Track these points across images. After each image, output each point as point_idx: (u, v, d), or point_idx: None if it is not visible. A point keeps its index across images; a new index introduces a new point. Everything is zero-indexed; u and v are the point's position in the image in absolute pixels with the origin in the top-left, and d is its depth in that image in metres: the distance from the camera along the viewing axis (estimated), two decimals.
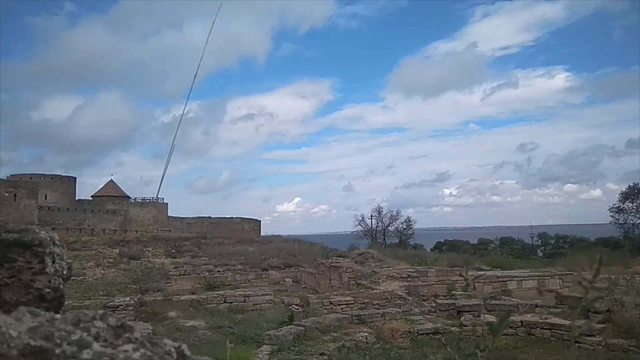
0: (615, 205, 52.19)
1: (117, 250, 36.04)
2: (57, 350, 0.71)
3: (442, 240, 67.09)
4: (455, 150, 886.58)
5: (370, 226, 59.33)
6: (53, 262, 1.14)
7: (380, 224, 59.30)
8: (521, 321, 11.75)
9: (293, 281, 28.70)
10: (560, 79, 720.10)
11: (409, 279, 19.94)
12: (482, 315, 12.43)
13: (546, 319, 11.62)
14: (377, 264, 25.28)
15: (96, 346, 0.74)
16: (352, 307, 14.90)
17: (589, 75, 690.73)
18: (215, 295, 18.27)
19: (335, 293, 17.58)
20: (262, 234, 62.35)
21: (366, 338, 11.41)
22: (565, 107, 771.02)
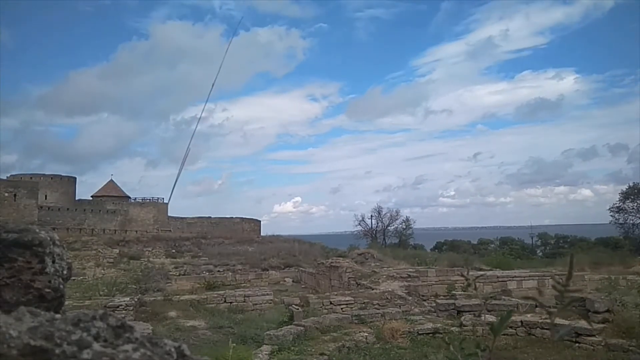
0: (615, 205, 52.11)
1: (117, 250, 36.04)
2: (57, 350, 0.71)
3: (442, 240, 67.09)
4: (460, 151, 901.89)
5: (370, 226, 59.35)
6: (53, 262, 1.14)
7: (380, 224, 59.31)
8: (521, 321, 11.75)
9: (293, 281, 28.69)
10: (569, 81, 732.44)
11: (409, 279, 19.94)
12: (482, 315, 12.42)
13: (546, 319, 11.62)
14: (377, 264, 25.28)
15: (96, 346, 0.74)
16: (352, 307, 14.89)
17: (598, 76, 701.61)
18: (215, 295, 18.26)
19: (335, 293, 17.57)
20: (262, 234, 62.35)
21: (366, 338, 11.41)
22: (572, 108, 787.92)
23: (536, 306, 12.81)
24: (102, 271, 28.87)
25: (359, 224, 59.88)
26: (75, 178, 64.18)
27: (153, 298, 17.48)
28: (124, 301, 15.33)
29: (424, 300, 16.91)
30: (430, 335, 11.78)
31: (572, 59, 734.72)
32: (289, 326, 11.62)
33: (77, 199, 61.53)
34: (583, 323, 10.14)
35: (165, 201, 61.16)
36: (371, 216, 59.75)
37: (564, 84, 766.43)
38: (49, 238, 1.15)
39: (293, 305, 14.31)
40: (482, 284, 18.06)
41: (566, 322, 10.87)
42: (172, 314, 15.43)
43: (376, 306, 15.10)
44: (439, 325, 12.31)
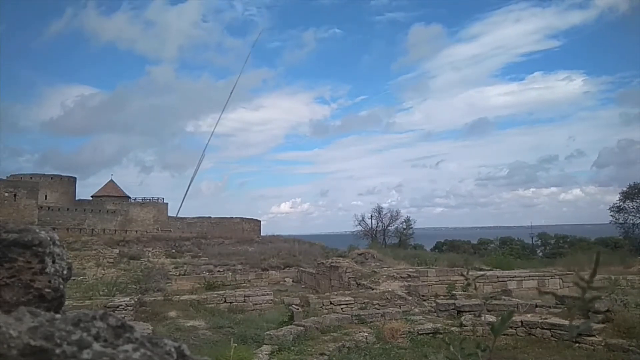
0: (615, 205, 52.11)
1: (117, 250, 36.02)
2: (57, 350, 0.71)
3: (442, 240, 67.08)
4: (465, 150, 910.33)
5: (370, 226, 59.39)
6: (53, 262, 1.14)
7: (380, 224, 59.37)
8: (521, 321, 11.74)
9: (293, 281, 28.70)
10: (578, 83, 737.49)
11: (409, 279, 19.94)
12: (482, 315, 12.42)
13: (546, 319, 11.62)
14: (377, 264, 25.28)
15: (96, 346, 0.74)
16: (352, 307, 14.88)
17: (607, 78, 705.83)
18: (215, 295, 18.25)
19: (335, 293, 17.56)
20: (262, 234, 62.35)
21: (366, 338, 11.40)
22: (578, 109, 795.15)
23: (536, 306, 12.81)
24: (102, 271, 28.86)
25: (359, 224, 60.01)
26: (75, 178, 64.15)
27: (153, 298, 17.48)
28: (124, 301, 15.33)
29: (424, 300, 16.90)
30: (430, 335, 11.77)
31: (583, 61, 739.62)
32: (289, 326, 11.61)
33: (77, 199, 61.53)
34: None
35: (165, 201, 61.28)
36: (371, 216, 59.85)
37: (573, 85, 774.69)
38: (49, 238, 1.15)
39: (293, 305, 14.30)
40: (482, 284, 18.07)
41: (566, 322, 10.87)
42: (172, 314, 15.42)
43: (376, 306, 15.10)
44: (439, 325, 12.31)
